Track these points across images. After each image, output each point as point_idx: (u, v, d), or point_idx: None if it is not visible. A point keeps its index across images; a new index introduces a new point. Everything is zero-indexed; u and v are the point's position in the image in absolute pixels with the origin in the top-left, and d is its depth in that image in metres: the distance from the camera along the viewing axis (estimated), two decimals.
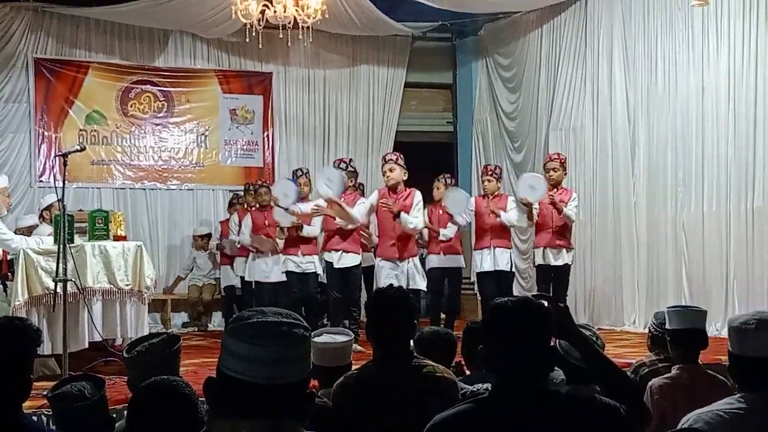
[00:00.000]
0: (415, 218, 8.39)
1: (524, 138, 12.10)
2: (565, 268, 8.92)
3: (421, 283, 8.55)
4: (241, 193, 11.08)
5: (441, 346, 4.44)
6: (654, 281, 9.93)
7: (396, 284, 7.75)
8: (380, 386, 3.44)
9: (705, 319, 4.41)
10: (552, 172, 8.92)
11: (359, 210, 8.53)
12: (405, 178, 8.46)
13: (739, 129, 8.97)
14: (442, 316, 9.20)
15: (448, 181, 9.63)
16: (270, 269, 9.47)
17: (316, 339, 3.98)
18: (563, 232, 8.87)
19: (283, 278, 9.29)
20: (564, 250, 8.87)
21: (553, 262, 8.84)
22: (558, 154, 9.31)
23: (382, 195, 8.45)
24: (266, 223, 9.55)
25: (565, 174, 9.12)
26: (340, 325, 7.98)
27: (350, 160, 9.55)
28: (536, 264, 9.04)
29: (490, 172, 9.30)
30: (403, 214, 8.27)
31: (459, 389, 3.53)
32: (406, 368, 3.52)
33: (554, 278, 8.88)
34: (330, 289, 8.83)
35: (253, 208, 10.04)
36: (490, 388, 2.60)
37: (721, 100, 9.13)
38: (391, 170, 8.38)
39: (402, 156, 8.59)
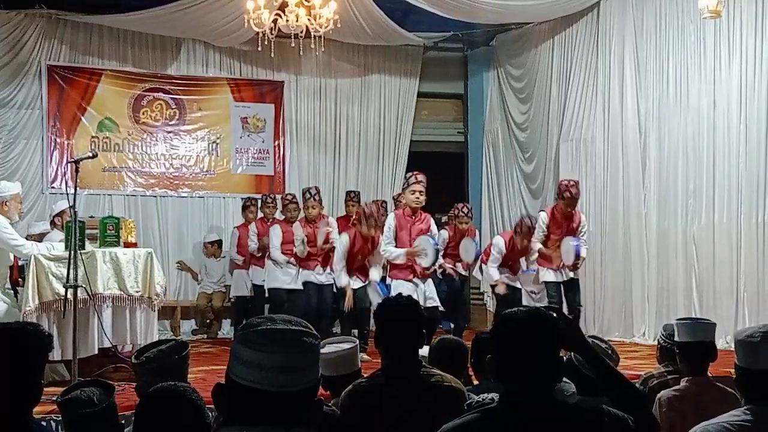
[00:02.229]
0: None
1: (535, 149, 12.10)
2: (573, 282, 8.98)
3: (437, 302, 8.55)
4: (254, 197, 11.14)
5: (453, 356, 4.44)
6: (664, 293, 9.90)
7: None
8: (388, 395, 3.44)
9: (714, 332, 4.39)
10: (569, 209, 8.90)
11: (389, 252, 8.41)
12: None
13: (750, 141, 8.95)
14: (451, 325, 9.21)
15: (469, 212, 9.72)
16: (288, 278, 9.53)
17: (321, 351, 3.98)
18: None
19: (300, 286, 9.32)
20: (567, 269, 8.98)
21: (561, 279, 8.94)
22: (575, 185, 9.05)
23: (398, 217, 8.35)
24: (293, 237, 9.55)
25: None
26: (350, 334, 8.01)
27: (384, 203, 9.61)
28: (542, 281, 9.07)
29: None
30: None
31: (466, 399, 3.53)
32: (414, 377, 3.52)
33: (565, 291, 8.92)
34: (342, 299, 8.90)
35: (280, 220, 10.01)
36: (496, 398, 2.60)
37: (732, 113, 9.11)
38: (421, 193, 8.23)
39: None
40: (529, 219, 9.41)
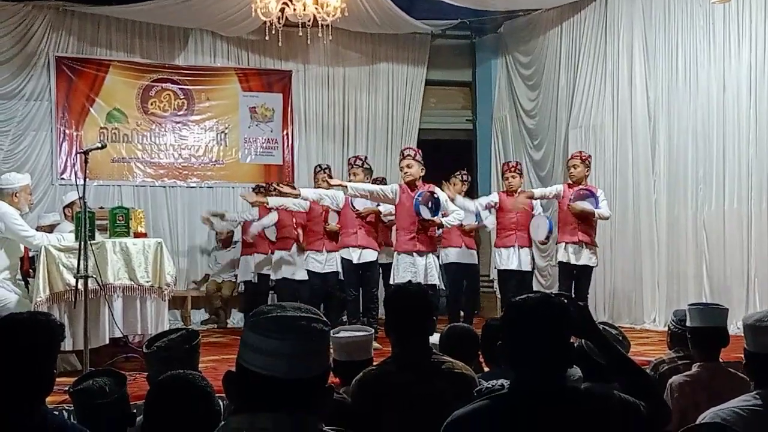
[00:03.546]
0: (455, 213, 8.49)
1: (544, 136, 12.07)
2: (586, 269, 8.80)
3: (438, 279, 8.52)
4: (263, 185, 11.16)
5: (464, 343, 4.44)
6: (674, 279, 9.88)
7: (413, 278, 7.79)
8: (399, 382, 3.44)
9: (726, 317, 4.38)
10: (572, 169, 8.89)
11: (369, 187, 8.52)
12: (422, 174, 8.42)
13: (760, 126, 8.90)
14: (461, 313, 9.18)
15: (465, 178, 9.61)
16: (293, 267, 9.60)
17: (336, 335, 4.00)
18: (585, 228, 8.79)
19: (306, 276, 9.36)
20: (586, 249, 8.75)
21: (573, 261, 8.74)
22: (580, 152, 9.28)
23: (402, 189, 8.41)
24: (293, 220, 9.72)
25: (588, 171, 9.03)
26: (358, 323, 8.01)
27: (365, 157, 9.54)
28: (558, 260, 8.98)
29: (512, 169, 9.29)
30: (444, 220, 8.39)
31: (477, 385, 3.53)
32: (424, 364, 3.52)
33: (576, 277, 8.81)
34: (348, 287, 8.86)
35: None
36: (506, 385, 2.60)
37: (742, 98, 9.06)
38: (408, 166, 8.32)
39: (420, 152, 8.59)
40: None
